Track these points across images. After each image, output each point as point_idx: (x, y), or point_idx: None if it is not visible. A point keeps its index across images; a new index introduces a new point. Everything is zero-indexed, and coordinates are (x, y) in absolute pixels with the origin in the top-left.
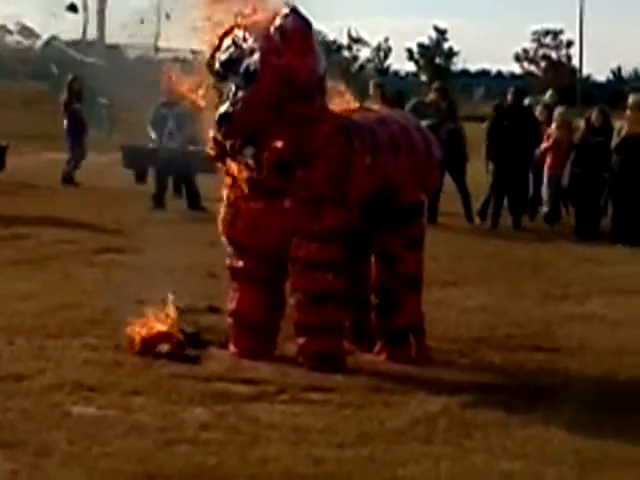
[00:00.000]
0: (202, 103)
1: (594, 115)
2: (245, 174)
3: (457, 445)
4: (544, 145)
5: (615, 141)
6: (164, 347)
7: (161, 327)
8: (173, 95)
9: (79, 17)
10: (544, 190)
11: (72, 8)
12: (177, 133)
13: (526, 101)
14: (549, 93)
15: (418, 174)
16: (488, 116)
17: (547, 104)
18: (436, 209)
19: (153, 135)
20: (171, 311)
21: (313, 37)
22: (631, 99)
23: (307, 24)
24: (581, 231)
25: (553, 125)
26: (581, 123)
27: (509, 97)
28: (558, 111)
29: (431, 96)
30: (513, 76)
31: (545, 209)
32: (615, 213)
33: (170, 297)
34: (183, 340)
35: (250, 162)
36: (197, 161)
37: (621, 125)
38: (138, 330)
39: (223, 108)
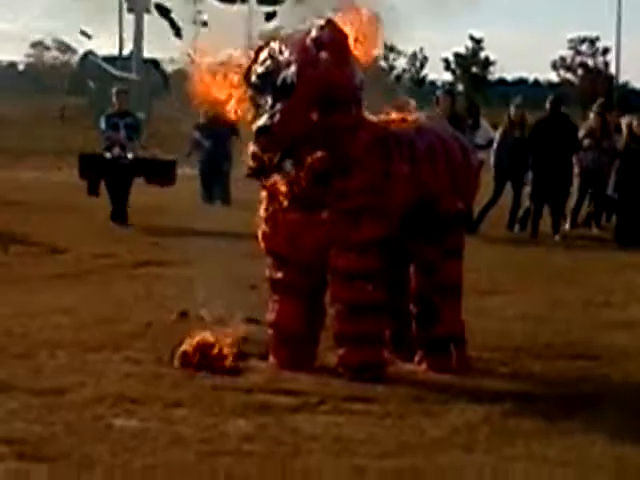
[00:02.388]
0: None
1: (635, 122)
2: (284, 187)
3: (498, 454)
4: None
5: None
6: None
7: (202, 339)
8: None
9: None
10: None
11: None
12: (127, 143)
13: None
14: (599, 102)
15: (456, 183)
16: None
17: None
18: (481, 220)
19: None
20: (212, 323)
21: (349, 48)
22: None
23: (343, 35)
24: (622, 238)
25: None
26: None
27: (547, 106)
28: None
29: (441, 105)
30: (550, 84)
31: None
32: None
33: (210, 309)
34: (225, 352)
35: (289, 175)
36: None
37: None
38: (180, 342)
39: (261, 121)
